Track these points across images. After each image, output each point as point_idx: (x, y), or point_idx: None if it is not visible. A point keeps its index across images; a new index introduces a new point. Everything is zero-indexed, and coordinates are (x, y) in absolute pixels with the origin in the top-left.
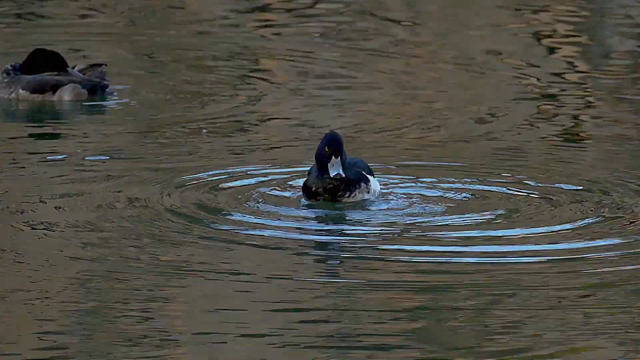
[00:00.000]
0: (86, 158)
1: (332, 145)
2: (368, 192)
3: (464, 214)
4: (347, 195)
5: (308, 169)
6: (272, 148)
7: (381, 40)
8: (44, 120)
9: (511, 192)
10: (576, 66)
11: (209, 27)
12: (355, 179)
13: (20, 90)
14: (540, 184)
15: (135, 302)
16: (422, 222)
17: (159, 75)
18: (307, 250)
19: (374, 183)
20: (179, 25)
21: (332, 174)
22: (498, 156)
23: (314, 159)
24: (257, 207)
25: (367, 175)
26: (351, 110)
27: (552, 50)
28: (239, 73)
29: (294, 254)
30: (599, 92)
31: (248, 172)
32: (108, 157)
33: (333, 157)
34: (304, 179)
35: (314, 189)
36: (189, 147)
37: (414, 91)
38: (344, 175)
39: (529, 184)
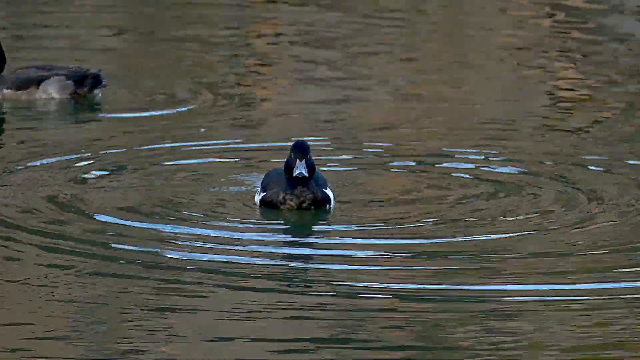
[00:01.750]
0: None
1: (297, 151)
2: (329, 210)
3: (455, 230)
4: (311, 210)
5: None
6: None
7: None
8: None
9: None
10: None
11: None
12: (322, 199)
13: (5, 90)
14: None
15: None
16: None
17: (154, 67)
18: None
19: (332, 200)
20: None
21: (294, 173)
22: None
23: (283, 169)
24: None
25: (329, 194)
26: (348, 101)
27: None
28: (235, 61)
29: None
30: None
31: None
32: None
33: (297, 160)
34: (261, 192)
35: (283, 200)
36: (180, 145)
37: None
38: (306, 175)
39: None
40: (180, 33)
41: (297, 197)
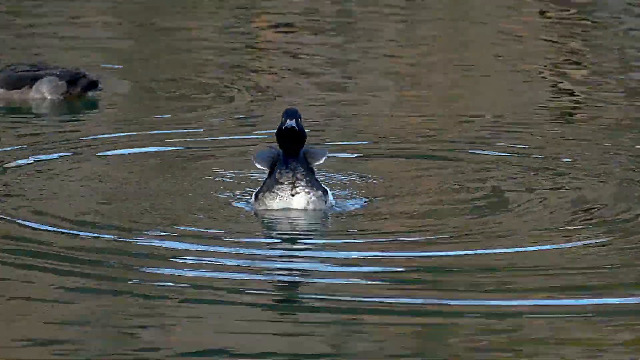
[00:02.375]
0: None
1: (287, 114)
2: (325, 202)
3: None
4: (303, 188)
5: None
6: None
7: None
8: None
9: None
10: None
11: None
12: (318, 187)
13: None
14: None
15: None
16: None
17: (152, 68)
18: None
19: (331, 196)
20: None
21: (285, 125)
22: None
23: (276, 136)
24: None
25: (327, 189)
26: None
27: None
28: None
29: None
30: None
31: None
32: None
33: (288, 119)
34: (258, 190)
35: (281, 181)
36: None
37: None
38: (296, 127)
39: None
40: (179, 30)
41: (292, 170)
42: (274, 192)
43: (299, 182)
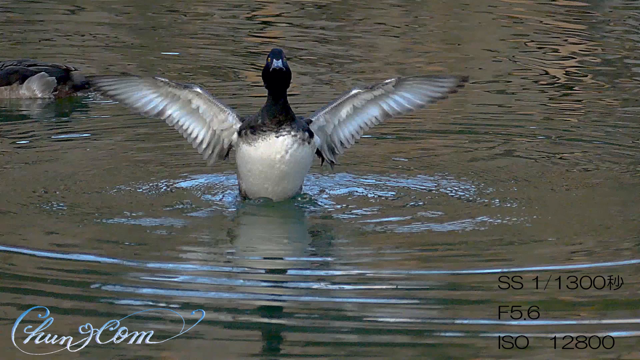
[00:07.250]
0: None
1: (273, 54)
2: (307, 144)
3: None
4: (288, 128)
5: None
6: None
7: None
8: None
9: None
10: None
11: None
12: (302, 127)
13: None
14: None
15: None
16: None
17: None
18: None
19: (317, 141)
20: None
21: (271, 67)
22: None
23: (262, 78)
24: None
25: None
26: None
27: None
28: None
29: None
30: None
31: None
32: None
33: (274, 60)
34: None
35: (260, 121)
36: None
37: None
38: (284, 68)
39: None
40: (181, 32)
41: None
42: (263, 130)
43: (287, 125)
